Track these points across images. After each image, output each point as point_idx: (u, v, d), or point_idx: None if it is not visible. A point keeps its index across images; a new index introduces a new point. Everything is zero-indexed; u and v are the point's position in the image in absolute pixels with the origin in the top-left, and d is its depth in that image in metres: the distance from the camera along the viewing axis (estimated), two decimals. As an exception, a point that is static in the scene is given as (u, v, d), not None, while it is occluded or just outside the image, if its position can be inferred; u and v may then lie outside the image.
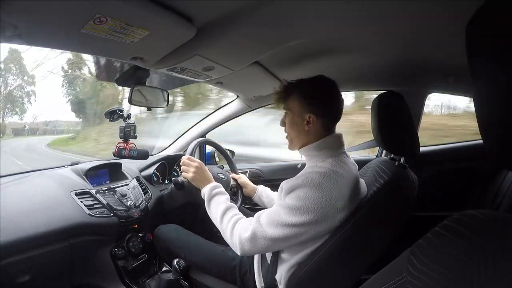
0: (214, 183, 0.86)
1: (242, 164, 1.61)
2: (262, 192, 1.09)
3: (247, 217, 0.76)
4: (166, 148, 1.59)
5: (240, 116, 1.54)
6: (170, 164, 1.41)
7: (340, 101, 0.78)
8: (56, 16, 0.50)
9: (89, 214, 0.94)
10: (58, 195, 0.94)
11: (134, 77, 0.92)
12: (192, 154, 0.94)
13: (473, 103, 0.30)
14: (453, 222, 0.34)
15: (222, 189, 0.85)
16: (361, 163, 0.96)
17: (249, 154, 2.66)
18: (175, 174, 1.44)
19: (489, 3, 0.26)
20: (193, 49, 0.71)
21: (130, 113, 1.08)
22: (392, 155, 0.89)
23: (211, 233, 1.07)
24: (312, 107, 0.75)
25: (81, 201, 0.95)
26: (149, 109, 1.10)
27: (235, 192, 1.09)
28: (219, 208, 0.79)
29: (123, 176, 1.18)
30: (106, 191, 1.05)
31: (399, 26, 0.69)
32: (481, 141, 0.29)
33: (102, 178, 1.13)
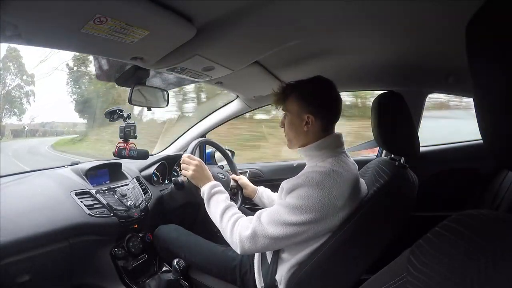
0: (214, 182, 0.86)
1: (242, 164, 1.61)
2: (263, 193, 1.09)
3: (247, 216, 0.76)
4: (166, 148, 1.59)
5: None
6: (170, 164, 1.41)
7: (338, 101, 0.78)
8: (56, 16, 0.50)
9: (89, 214, 0.94)
10: (58, 195, 0.94)
11: (134, 77, 0.92)
12: (192, 153, 0.94)
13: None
14: (453, 222, 0.34)
15: (221, 188, 0.85)
16: (361, 163, 0.96)
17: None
18: (175, 174, 1.43)
19: (489, 3, 0.26)
20: (193, 49, 0.71)
21: (130, 113, 1.08)
22: (392, 155, 0.89)
23: (211, 233, 1.07)
24: (311, 107, 0.75)
25: (81, 201, 0.95)
26: (149, 109, 1.10)
27: (235, 192, 1.09)
28: (219, 206, 0.79)
29: (123, 176, 1.18)
30: (106, 191, 1.05)
31: (399, 26, 0.69)
32: (481, 141, 0.29)
33: (102, 178, 1.12)
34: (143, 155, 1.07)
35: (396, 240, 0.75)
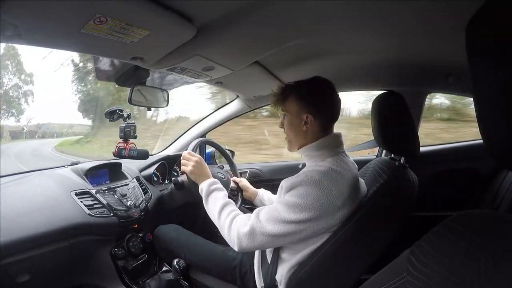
0: (213, 179, 0.86)
1: (242, 164, 1.61)
2: (263, 195, 1.09)
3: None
4: (166, 148, 1.59)
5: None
6: (170, 164, 1.41)
7: (337, 101, 0.78)
8: (56, 16, 0.50)
9: (89, 214, 0.94)
10: (58, 195, 0.94)
11: (134, 77, 0.93)
12: (193, 150, 0.95)
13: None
14: (453, 222, 0.34)
15: (220, 185, 0.86)
16: (361, 163, 0.96)
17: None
18: (175, 174, 1.44)
19: (489, 3, 0.26)
20: (193, 49, 0.71)
21: (130, 113, 1.08)
22: (392, 155, 0.89)
23: (211, 233, 1.07)
24: (310, 107, 0.75)
25: (81, 201, 0.95)
26: (149, 109, 1.10)
27: (235, 194, 1.09)
28: (217, 203, 0.79)
29: (123, 176, 1.18)
30: (106, 191, 1.05)
31: (399, 26, 0.69)
32: (481, 141, 0.29)
33: (102, 178, 1.12)
34: (143, 155, 1.07)
35: (396, 240, 0.75)
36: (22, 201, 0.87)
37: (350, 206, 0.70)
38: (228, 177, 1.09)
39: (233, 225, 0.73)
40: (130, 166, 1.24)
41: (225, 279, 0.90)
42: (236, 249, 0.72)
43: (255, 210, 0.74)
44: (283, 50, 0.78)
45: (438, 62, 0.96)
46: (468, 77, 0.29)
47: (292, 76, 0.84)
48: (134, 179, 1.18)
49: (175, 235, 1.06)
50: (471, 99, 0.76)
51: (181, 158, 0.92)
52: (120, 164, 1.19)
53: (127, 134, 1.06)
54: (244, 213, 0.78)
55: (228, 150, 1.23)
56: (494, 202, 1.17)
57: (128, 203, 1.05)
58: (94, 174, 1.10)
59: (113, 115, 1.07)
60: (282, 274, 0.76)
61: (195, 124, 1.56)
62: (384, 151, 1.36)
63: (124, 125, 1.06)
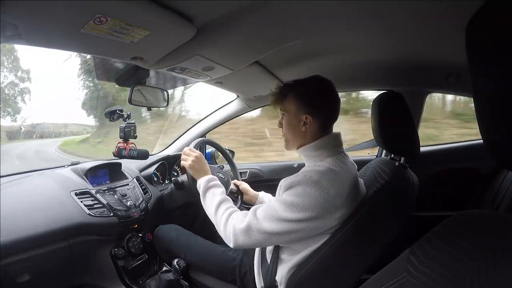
0: (211, 176, 0.87)
1: (242, 164, 1.61)
2: (263, 198, 1.08)
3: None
4: (166, 148, 1.59)
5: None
6: (170, 164, 1.41)
7: (336, 101, 0.77)
8: (56, 16, 0.50)
9: (89, 214, 0.94)
10: (58, 195, 0.94)
11: (134, 77, 0.93)
12: (195, 148, 0.95)
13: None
14: (453, 222, 0.34)
15: (218, 182, 0.86)
16: (361, 163, 0.96)
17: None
18: (175, 174, 1.44)
19: (489, 3, 0.26)
20: (193, 49, 0.71)
21: (130, 113, 1.08)
22: (392, 155, 0.89)
23: (211, 233, 1.07)
24: (309, 108, 0.74)
25: (81, 201, 0.95)
26: (149, 109, 1.10)
27: (236, 197, 1.09)
28: (215, 199, 0.79)
29: (123, 176, 1.18)
30: (106, 191, 1.05)
31: (399, 26, 0.69)
32: (481, 141, 0.29)
33: (102, 178, 1.12)
34: (143, 155, 1.07)
35: (396, 240, 0.75)
36: (22, 201, 0.87)
37: (349, 206, 0.70)
38: (228, 177, 1.09)
39: (229, 221, 0.73)
40: (130, 166, 1.24)
41: (225, 279, 0.90)
42: (231, 245, 0.72)
43: (252, 208, 0.74)
44: (283, 50, 0.78)
45: (438, 62, 0.96)
46: (468, 77, 0.28)
47: (292, 76, 0.84)
48: (134, 179, 1.18)
49: (175, 235, 1.06)
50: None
51: (182, 154, 0.92)
52: (120, 164, 1.19)
53: (127, 134, 1.06)
54: None
55: (228, 150, 1.23)
56: (494, 202, 1.17)
57: (128, 203, 1.05)
58: (94, 174, 1.10)
59: (113, 115, 1.07)
60: (282, 274, 0.76)
61: (195, 124, 1.56)
62: (384, 151, 1.36)
63: (124, 125, 1.06)
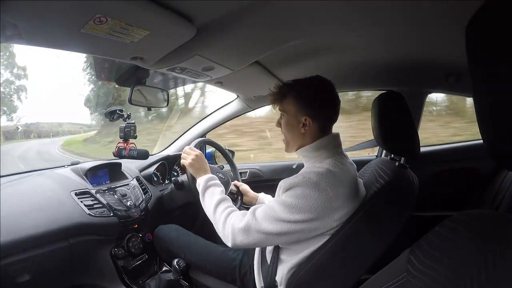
0: (211, 175, 0.87)
1: (242, 164, 1.61)
2: (263, 199, 1.08)
3: None
4: (166, 148, 1.59)
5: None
6: (170, 164, 1.41)
7: (336, 102, 0.76)
8: (56, 16, 0.50)
9: (89, 214, 0.94)
10: (58, 195, 0.94)
11: (134, 77, 0.93)
12: (195, 147, 0.95)
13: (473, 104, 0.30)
14: (453, 222, 0.34)
15: (218, 181, 0.86)
16: (361, 163, 0.96)
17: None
18: (175, 174, 1.44)
19: (489, 3, 0.26)
20: (193, 49, 0.71)
21: (129, 113, 1.08)
22: (392, 155, 0.89)
23: (211, 233, 1.07)
24: (308, 109, 0.74)
25: (81, 201, 0.95)
26: (149, 109, 1.10)
27: (235, 198, 1.09)
28: (214, 198, 0.79)
29: (123, 176, 1.18)
30: (106, 191, 1.05)
31: (399, 26, 0.69)
32: (481, 141, 0.29)
33: (102, 178, 1.12)
34: (143, 155, 1.07)
35: (396, 240, 0.75)
36: (22, 201, 0.87)
37: (349, 207, 0.70)
38: (228, 177, 1.08)
39: (228, 220, 0.73)
40: (130, 166, 1.24)
41: (225, 280, 0.90)
42: (229, 244, 0.72)
43: (251, 208, 0.74)
44: (283, 50, 0.78)
45: (438, 62, 0.96)
46: (468, 77, 0.28)
47: (292, 76, 0.83)
48: (134, 179, 1.18)
49: (175, 235, 1.06)
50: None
51: (182, 153, 0.92)
52: (120, 164, 1.19)
53: (127, 134, 1.06)
54: None
55: (228, 150, 1.22)
56: (494, 202, 1.17)
57: (128, 203, 1.05)
58: (94, 174, 1.10)
59: (113, 115, 1.07)
60: (282, 274, 0.76)
61: (195, 124, 1.56)
62: (384, 151, 1.36)
63: (124, 125, 1.06)
